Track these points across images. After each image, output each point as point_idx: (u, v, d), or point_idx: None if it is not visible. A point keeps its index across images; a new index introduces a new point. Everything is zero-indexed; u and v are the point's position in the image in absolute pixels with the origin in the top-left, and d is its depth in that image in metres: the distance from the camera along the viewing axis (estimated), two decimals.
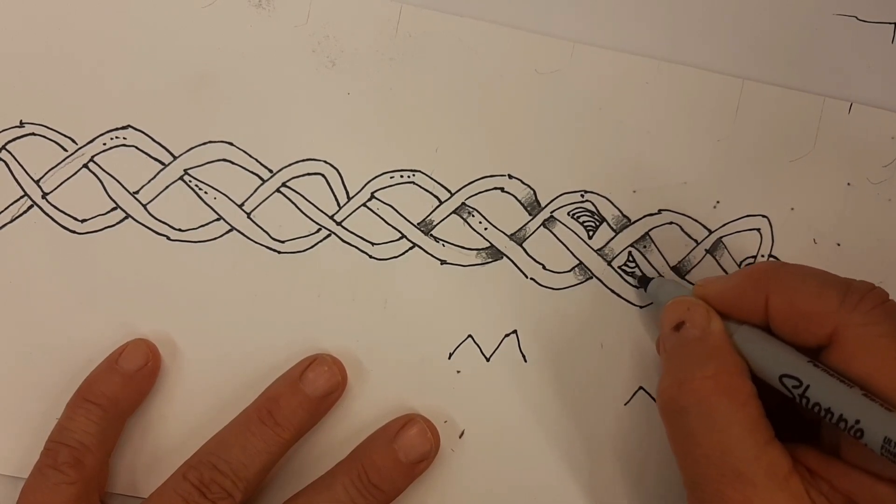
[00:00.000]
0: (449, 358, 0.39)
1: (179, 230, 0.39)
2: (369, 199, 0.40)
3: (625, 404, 0.40)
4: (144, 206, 0.39)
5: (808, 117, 0.41)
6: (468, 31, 0.40)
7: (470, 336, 0.40)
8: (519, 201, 0.40)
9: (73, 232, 0.39)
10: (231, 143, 0.40)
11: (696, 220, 0.40)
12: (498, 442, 0.39)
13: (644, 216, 0.40)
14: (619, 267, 0.40)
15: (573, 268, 0.40)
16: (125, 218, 0.39)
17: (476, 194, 0.40)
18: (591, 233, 0.40)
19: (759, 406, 0.32)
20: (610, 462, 0.39)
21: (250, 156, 0.40)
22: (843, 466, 0.32)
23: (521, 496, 0.39)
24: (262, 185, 0.40)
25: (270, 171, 0.40)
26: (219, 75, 0.40)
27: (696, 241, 0.40)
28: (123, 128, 0.39)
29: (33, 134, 0.39)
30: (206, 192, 0.39)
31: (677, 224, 0.40)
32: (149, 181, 0.39)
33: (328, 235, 0.40)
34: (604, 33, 0.41)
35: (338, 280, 0.39)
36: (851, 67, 0.41)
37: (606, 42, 0.41)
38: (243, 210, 0.39)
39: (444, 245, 0.40)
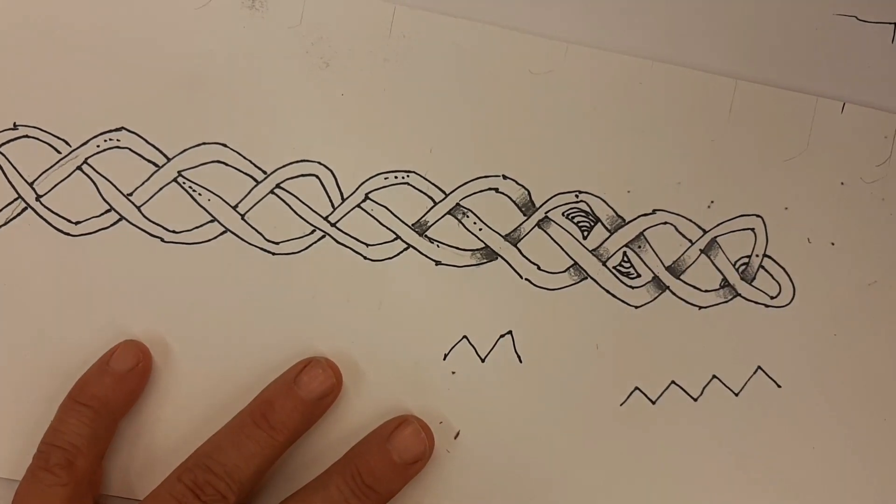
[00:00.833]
0: (444, 359, 0.39)
1: (173, 232, 0.39)
2: (363, 201, 0.40)
3: (620, 405, 0.40)
4: (138, 208, 0.39)
5: (801, 117, 0.41)
6: (462, 32, 0.40)
7: (465, 337, 0.39)
8: (513, 202, 0.40)
9: (68, 234, 0.39)
10: (225, 145, 0.40)
11: (690, 220, 0.40)
12: (493, 443, 0.39)
13: (638, 216, 0.40)
14: (614, 267, 0.40)
15: (568, 268, 0.40)
16: (119, 220, 0.39)
17: (470, 195, 0.40)
18: (585, 233, 0.40)
19: None
20: (605, 463, 0.39)
21: (244, 157, 0.40)
22: None
23: (516, 497, 0.39)
24: (256, 186, 0.40)
25: (264, 172, 0.40)
26: (212, 77, 0.40)
27: (690, 240, 0.40)
28: (117, 130, 0.39)
29: (27, 136, 0.39)
30: (199, 194, 0.39)
31: (672, 224, 0.40)
32: (143, 183, 0.39)
33: (322, 237, 0.40)
34: (597, 34, 0.41)
35: (332, 281, 0.39)
36: (848, 67, 0.41)
37: (600, 42, 0.41)
38: (237, 211, 0.39)
39: (438, 246, 0.40)
